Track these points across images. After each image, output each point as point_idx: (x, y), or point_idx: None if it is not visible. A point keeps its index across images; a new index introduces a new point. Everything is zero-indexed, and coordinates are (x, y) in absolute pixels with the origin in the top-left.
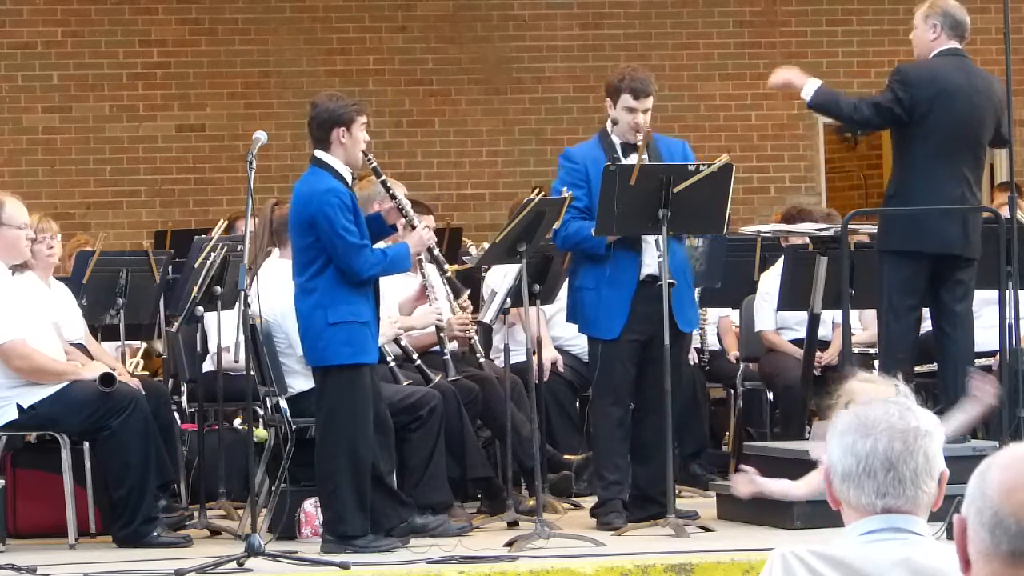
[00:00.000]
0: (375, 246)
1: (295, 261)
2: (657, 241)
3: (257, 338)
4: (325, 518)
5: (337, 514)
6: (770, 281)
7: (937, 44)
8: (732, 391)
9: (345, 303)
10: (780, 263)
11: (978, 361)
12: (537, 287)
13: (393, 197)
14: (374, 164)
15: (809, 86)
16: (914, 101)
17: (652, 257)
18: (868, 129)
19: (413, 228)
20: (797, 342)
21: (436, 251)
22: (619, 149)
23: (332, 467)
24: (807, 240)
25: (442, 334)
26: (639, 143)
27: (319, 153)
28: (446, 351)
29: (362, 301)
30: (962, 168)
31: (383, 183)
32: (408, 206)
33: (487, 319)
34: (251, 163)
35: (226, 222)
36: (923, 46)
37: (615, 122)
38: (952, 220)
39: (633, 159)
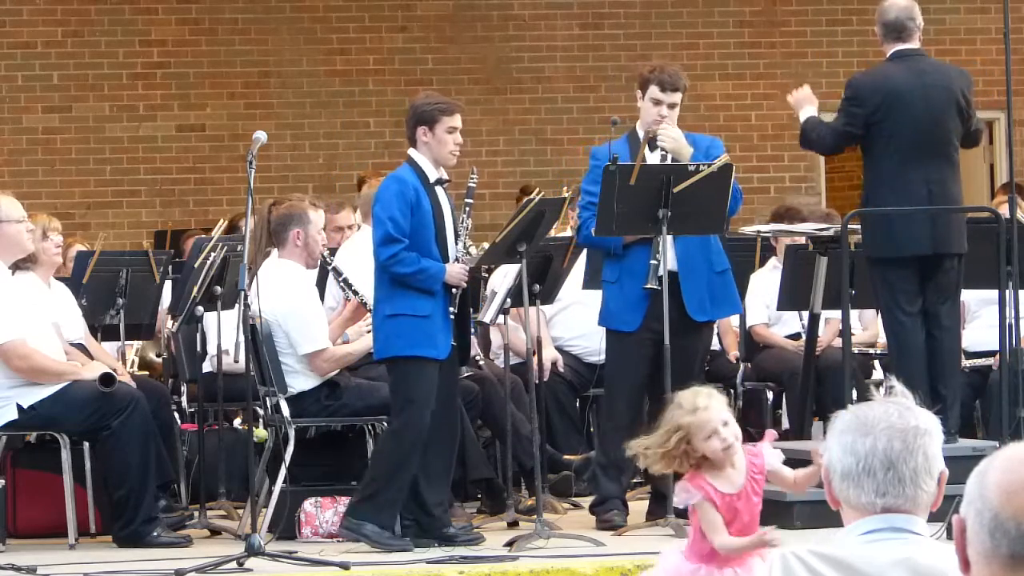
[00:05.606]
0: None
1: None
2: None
3: (257, 338)
4: (352, 500)
5: (367, 500)
6: (759, 281)
7: (886, 49)
8: (732, 391)
9: (401, 296)
10: (769, 264)
11: (978, 361)
12: (537, 287)
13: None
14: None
15: (804, 113)
16: (866, 112)
17: (668, 253)
18: (834, 152)
19: (457, 260)
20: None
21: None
22: (644, 143)
23: (380, 456)
24: (795, 239)
25: None
26: (650, 136)
27: (410, 150)
28: None
29: (420, 295)
30: (928, 167)
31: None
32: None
33: (487, 319)
34: (251, 163)
35: (226, 222)
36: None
37: (638, 119)
38: (917, 221)
39: (655, 156)
